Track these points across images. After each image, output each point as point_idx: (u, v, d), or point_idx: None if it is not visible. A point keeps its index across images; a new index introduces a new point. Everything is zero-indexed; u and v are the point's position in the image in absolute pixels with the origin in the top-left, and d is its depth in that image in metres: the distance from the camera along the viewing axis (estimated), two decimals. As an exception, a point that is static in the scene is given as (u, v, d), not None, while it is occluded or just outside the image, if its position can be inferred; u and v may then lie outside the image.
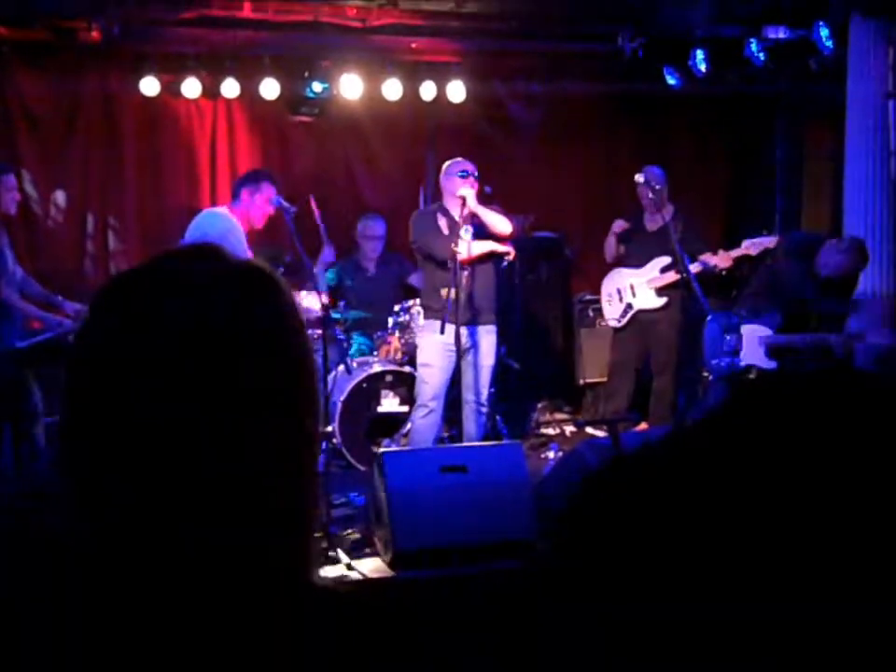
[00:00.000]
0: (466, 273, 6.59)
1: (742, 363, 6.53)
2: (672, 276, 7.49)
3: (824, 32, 7.30)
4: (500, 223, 6.69)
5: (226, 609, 1.03)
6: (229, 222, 6.46)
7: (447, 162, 6.86)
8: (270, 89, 8.67)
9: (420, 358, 6.83)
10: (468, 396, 6.66)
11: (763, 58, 7.84)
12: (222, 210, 6.68)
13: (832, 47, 7.26)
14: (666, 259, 7.56)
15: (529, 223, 9.20)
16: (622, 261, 7.91)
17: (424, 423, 6.68)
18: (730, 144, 10.05)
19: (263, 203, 6.51)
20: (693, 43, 8.15)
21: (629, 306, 7.76)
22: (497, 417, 7.40)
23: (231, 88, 8.67)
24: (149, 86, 8.53)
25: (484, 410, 6.72)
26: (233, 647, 1.02)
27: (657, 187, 7.43)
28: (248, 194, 6.53)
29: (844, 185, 6.94)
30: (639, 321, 7.74)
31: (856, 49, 6.74)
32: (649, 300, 7.65)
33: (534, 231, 9.25)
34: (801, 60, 7.70)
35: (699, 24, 8.05)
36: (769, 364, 6.47)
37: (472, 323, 6.64)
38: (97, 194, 8.93)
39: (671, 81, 8.64)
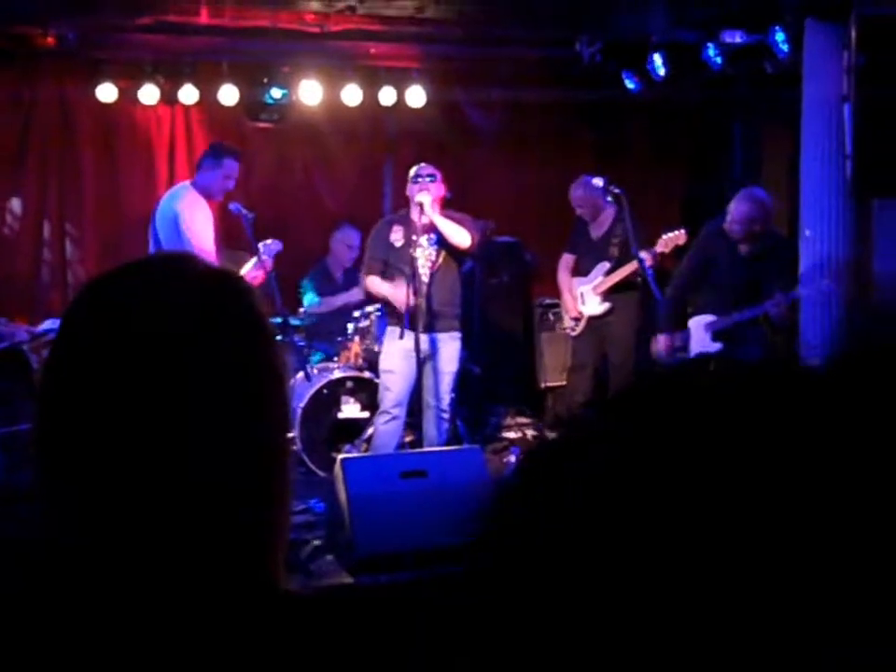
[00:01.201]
0: (425, 280, 6.58)
1: (692, 356, 6.58)
2: (614, 279, 7.56)
3: (780, 36, 7.36)
4: (458, 234, 6.57)
5: (192, 613, 1.03)
6: (192, 195, 6.49)
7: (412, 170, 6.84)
8: (228, 95, 8.63)
9: (383, 365, 6.81)
10: (429, 401, 6.65)
11: (720, 62, 7.89)
12: (184, 185, 6.73)
13: (787, 51, 7.31)
14: (608, 264, 7.64)
15: (490, 228, 9.21)
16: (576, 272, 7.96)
17: (386, 429, 6.66)
18: (688, 147, 10.11)
19: (222, 178, 6.55)
20: (651, 47, 8.19)
21: (580, 314, 7.81)
22: (458, 422, 7.39)
23: (189, 94, 8.63)
24: (106, 92, 8.46)
25: (446, 416, 6.71)
26: (197, 651, 1.01)
27: (608, 197, 7.49)
28: (209, 168, 6.58)
29: (800, 187, 6.98)
30: (593, 326, 7.78)
31: (811, 52, 6.79)
32: (595, 306, 7.70)
33: (494, 236, 9.26)
34: (757, 64, 7.76)
35: (656, 29, 8.10)
36: (714, 347, 6.60)
37: (433, 330, 6.62)
38: (54, 202, 8.85)
39: (630, 86, 8.68)
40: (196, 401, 1.05)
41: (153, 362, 1.04)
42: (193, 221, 6.36)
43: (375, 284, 6.75)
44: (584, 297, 7.78)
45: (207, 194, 6.55)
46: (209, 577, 1.04)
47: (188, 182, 6.76)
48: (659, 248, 7.26)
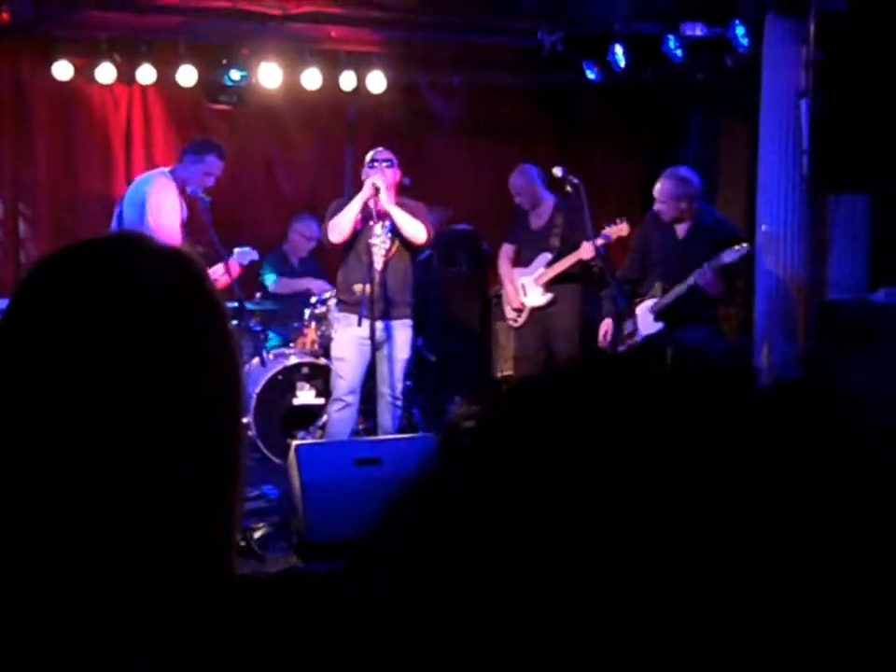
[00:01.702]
0: (378, 268, 6.55)
1: (640, 340, 6.84)
2: (555, 270, 7.58)
3: (740, 30, 7.40)
4: (411, 227, 6.51)
5: (138, 594, 1.01)
6: (164, 182, 6.45)
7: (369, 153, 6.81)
8: (187, 76, 8.53)
9: (335, 353, 6.79)
10: (382, 389, 6.64)
11: (680, 54, 7.92)
12: (160, 171, 6.69)
13: (747, 44, 7.35)
14: (549, 255, 7.65)
15: (447, 216, 9.20)
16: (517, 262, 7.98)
17: (339, 416, 6.64)
18: (648, 135, 10.14)
19: (201, 174, 6.53)
20: (612, 38, 8.20)
21: (522, 305, 7.83)
22: (414, 410, 7.38)
23: (146, 74, 8.52)
24: (62, 70, 8.33)
25: (399, 403, 6.70)
26: (143, 634, 1.00)
27: (575, 181, 7.46)
28: (191, 162, 6.56)
29: (758, 180, 7.03)
30: (536, 317, 7.80)
31: (770, 47, 6.83)
32: (537, 297, 7.71)
33: (452, 224, 9.25)
34: (718, 57, 7.80)
35: (618, 20, 8.11)
36: (657, 327, 6.76)
37: (387, 317, 6.60)
38: (8, 181, 8.72)
39: (591, 76, 8.70)
40: (150, 382, 1.04)
41: (107, 341, 1.03)
42: (159, 207, 6.32)
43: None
44: (526, 288, 7.79)
45: (182, 186, 6.52)
46: (160, 559, 1.03)
47: (166, 168, 6.72)
48: (601, 241, 7.27)
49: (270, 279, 8.36)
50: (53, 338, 1.04)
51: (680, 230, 6.80)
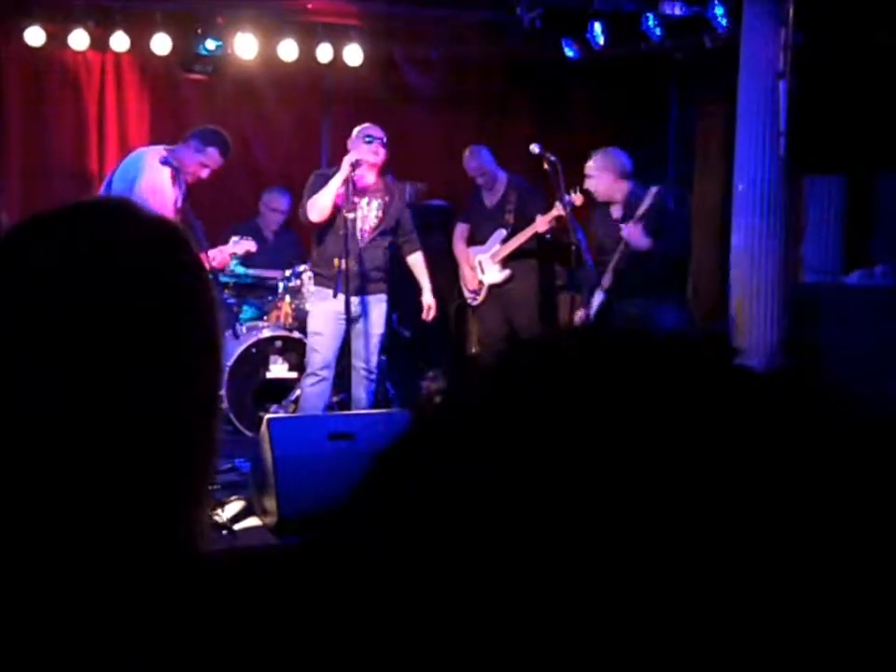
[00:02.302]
0: (361, 244, 6.56)
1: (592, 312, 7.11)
2: (511, 246, 7.66)
3: (719, 10, 7.38)
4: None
5: (104, 573, 0.99)
6: (158, 162, 6.32)
7: (357, 128, 6.77)
8: (161, 44, 8.44)
9: (310, 327, 6.77)
10: (357, 363, 6.63)
11: (659, 33, 7.90)
12: (157, 149, 6.53)
13: (726, 24, 7.34)
14: (504, 232, 7.73)
15: (422, 191, 9.16)
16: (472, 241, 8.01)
17: (313, 391, 6.63)
18: (627, 113, 10.11)
19: (198, 164, 6.46)
20: (591, 15, 8.17)
21: (480, 283, 7.85)
22: (388, 385, 7.37)
23: (120, 41, 8.42)
24: (35, 36, 8.22)
25: (373, 377, 6.71)
26: (105, 617, 0.98)
27: (552, 158, 7.44)
28: (193, 148, 6.49)
29: (735, 161, 7.03)
30: (495, 294, 7.84)
31: (749, 28, 6.82)
32: (494, 274, 7.76)
33: (427, 199, 9.21)
34: (696, 36, 7.79)
35: (597, -3, 8.09)
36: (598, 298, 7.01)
37: (363, 292, 6.59)
38: (-22, 147, 8.63)
39: (569, 53, 8.67)
40: (128, 350, 1.01)
41: (80, 305, 1.01)
42: (152, 185, 6.21)
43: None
44: (483, 265, 7.84)
45: (179, 168, 6.41)
46: (126, 536, 1.01)
47: (166, 147, 6.57)
48: (555, 211, 7.32)
49: (239, 269, 8.20)
50: (22, 303, 1.02)
51: (615, 210, 7.00)
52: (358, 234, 6.57)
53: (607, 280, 6.92)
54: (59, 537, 0.99)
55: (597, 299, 6.99)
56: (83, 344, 1.00)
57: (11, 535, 0.99)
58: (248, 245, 7.09)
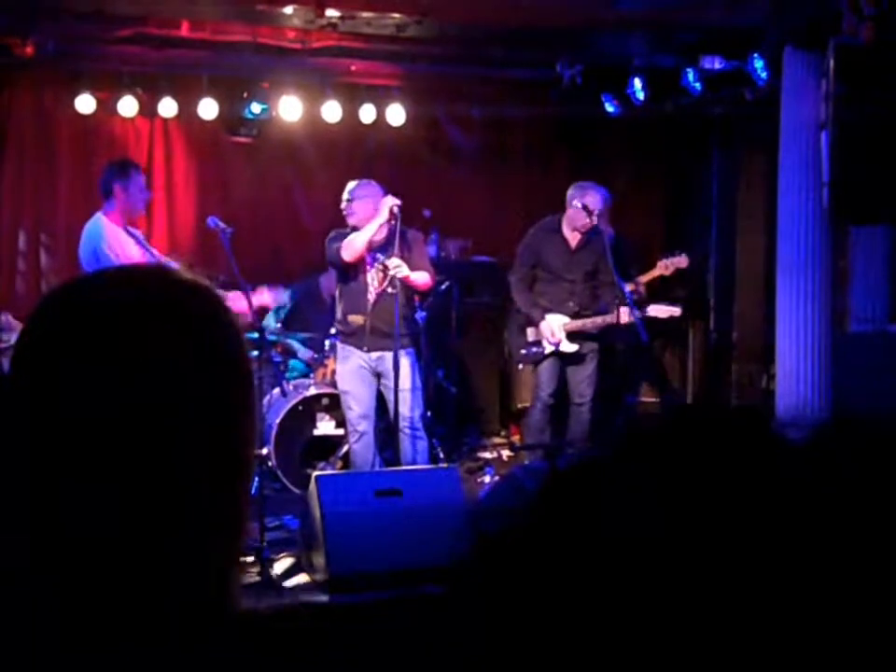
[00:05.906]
0: (371, 299, 6.56)
1: (545, 351, 7.25)
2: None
3: (759, 63, 7.41)
4: (419, 280, 6.64)
5: (128, 631, 0.99)
6: (109, 228, 6.21)
7: (362, 181, 6.80)
8: (208, 109, 8.61)
9: (340, 385, 6.78)
10: (397, 420, 6.60)
11: (699, 87, 7.94)
12: (97, 218, 6.34)
13: (766, 77, 7.37)
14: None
15: (467, 248, 9.22)
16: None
17: (358, 447, 6.63)
18: (667, 168, 10.15)
19: (137, 191, 6.30)
20: (631, 71, 8.24)
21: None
22: (434, 441, 7.35)
23: (168, 107, 8.60)
24: (85, 103, 8.43)
25: (419, 433, 6.65)
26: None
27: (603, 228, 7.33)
28: (121, 189, 6.27)
29: (778, 213, 7.02)
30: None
31: (789, 80, 6.83)
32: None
33: (472, 255, 9.27)
34: (737, 90, 7.81)
35: (637, 53, 8.15)
36: (572, 347, 7.22)
37: (382, 349, 6.60)
38: (30, 211, 8.81)
39: (610, 109, 8.73)
40: (166, 410, 1.01)
41: (119, 372, 1.01)
42: (117, 252, 6.13)
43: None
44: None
45: (129, 214, 6.30)
46: (160, 596, 1.01)
47: (99, 213, 6.35)
48: (658, 271, 7.44)
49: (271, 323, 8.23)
50: (59, 373, 1.02)
51: (575, 240, 7.20)
52: (371, 291, 6.61)
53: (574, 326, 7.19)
54: (89, 591, 1.00)
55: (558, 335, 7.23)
56: (115, 413, 1.00)
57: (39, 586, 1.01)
58: (284, 298, 7.06)
